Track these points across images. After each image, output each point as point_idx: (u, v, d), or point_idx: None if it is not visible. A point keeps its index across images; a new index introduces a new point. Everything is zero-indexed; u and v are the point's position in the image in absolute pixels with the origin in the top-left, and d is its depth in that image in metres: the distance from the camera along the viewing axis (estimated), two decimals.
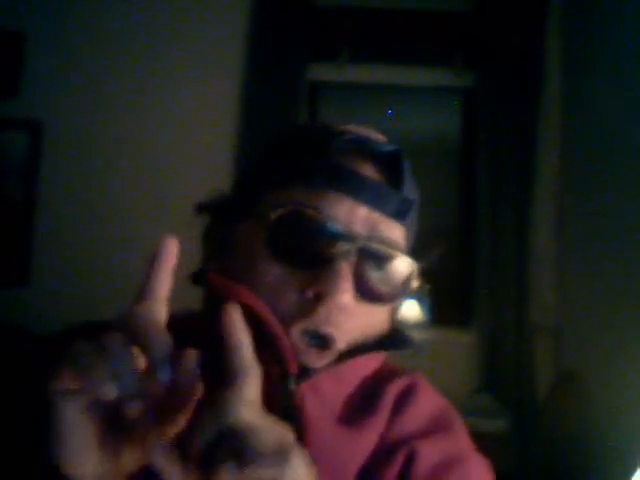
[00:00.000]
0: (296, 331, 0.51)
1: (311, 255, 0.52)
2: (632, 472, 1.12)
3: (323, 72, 2.42)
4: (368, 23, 2.43)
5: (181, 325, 0.57)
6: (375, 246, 0.54)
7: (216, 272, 0.57)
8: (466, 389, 2.19)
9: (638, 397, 1.50)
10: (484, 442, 0.62)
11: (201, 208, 0.61)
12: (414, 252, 0.59)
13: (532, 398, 2.10)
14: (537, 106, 2.23)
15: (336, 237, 0.52)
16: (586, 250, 2.02)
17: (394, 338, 0.58)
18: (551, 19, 2.27)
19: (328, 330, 0.51)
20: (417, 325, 0.62)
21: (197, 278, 0.58)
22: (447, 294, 2.34)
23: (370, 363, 0.59)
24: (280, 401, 0.51)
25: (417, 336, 0.61)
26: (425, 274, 0.58)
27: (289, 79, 2.27)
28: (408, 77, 2.45)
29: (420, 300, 0.61)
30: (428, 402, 0.61)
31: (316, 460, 0.49)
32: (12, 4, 2.31)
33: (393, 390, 0.60)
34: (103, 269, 2.21)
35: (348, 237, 0.52)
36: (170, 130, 2.31)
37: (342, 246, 0.52)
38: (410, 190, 0.58)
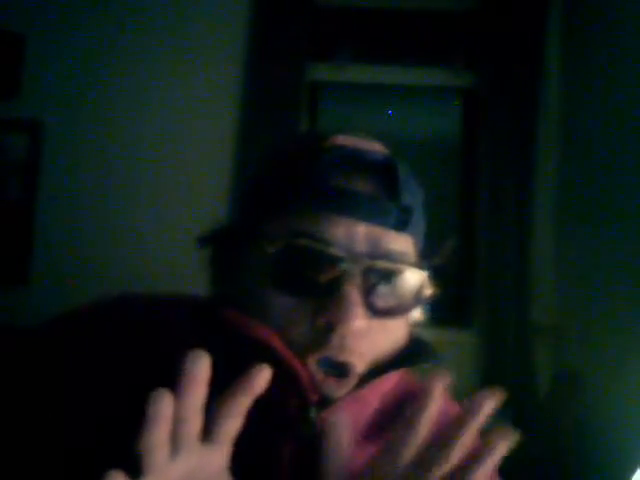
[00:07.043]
0: (312, 362, 0.50)
1: (316, 284, 0.51)
2: (632, 472, 1.12)
3: (323, 72, 2.43)
4: (368, 23, 2.43)
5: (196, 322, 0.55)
6: (380, 263, 0.52)
7: (229, 306, 0.55)
8: (466, 389, 2.19)
9: (638, 397, 1.50)
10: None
11: (203, 241, 0.59)
12: (424, 256, 0.57)
13: (532, 398, 2.10)
14: (537, 106, 2.23)
15: (338, 261, 0.50)
16: (586, 250, 2.02)
17: (413, 352, 0.57)
18: (552, 19, 2.27)
19: (344, 358, 0.50)
20: (415, 325, 0.61)
21: (207, 311, 0.55)
22: (447, 294, 2.33)
23: (391, 378, 0.57)
24: (302, 432, 0.51)
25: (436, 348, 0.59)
26: (429, 275, 0.57)
27: (289, 79, 2.27)
28: (408, 77, 2.45)
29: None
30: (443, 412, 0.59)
31: None
32: (13, 5, 2.31)
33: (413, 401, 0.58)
34: (103, 269, 2.21)
35: (350, 259, 0.51)
36: (170, 130, 2.31)
37: (345, 269, 0.50)
38: (410, 196, 0.56)
